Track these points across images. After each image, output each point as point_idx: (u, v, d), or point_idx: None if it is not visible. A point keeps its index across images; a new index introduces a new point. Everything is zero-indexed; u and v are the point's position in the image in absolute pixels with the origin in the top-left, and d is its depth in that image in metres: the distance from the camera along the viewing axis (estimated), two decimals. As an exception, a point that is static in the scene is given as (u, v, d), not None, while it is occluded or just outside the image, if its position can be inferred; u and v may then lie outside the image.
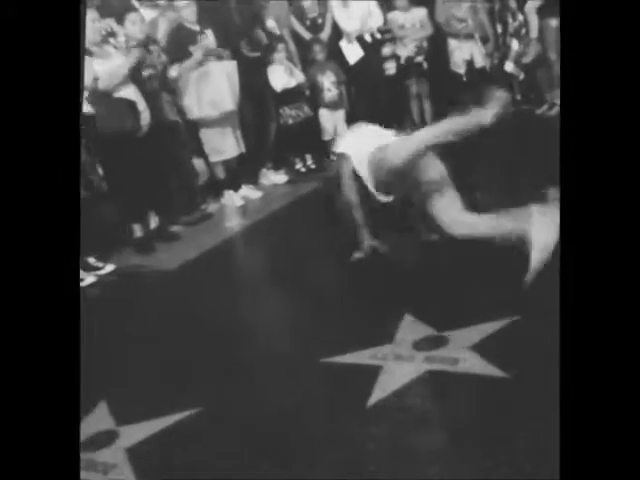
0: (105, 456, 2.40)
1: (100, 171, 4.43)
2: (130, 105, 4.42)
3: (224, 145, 5.34)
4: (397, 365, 2.64)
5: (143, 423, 2.54)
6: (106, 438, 2.50)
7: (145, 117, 4.54)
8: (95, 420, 2.63)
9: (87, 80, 4.12)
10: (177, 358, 3.06)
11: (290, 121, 5.96)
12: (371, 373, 2.60)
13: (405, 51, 6.69)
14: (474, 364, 2.53)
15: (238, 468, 2.20)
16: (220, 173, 5.45)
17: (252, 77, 5.59)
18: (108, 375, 2.95)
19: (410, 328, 2.90)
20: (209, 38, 5.23)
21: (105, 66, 4.36)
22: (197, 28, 5.22)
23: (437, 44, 6.69)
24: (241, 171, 5.60)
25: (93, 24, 4.38)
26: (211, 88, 5.16)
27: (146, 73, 4.70)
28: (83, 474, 2.33)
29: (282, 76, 5.83)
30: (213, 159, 5.40)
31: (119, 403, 2.72)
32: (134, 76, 4.52)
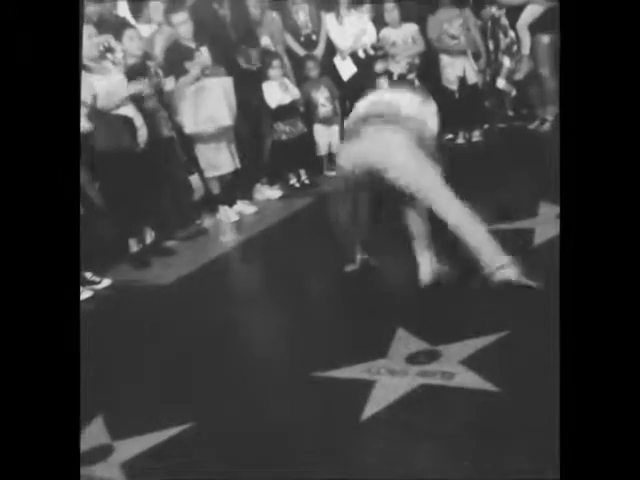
0: (101, 470, 2.42)
1: (96, 187, 4.46)
2: (127, 122, 4.46)
3: (219, 160, 5.38)
4: (390, 379, 2.67)
5: (138, 437, 2.56)
6: (102, 452, 2.52)
7: (142, 134, 4.58)
8: (91, 434, 2.64)
9: (85, 97, 4.15)
10: (172, 372, 3.08)
11: (284, 137, 6.01)
12: (364, 387, 2.63)
13: (397, 67, 6.75)
14: (467, 378, 2.57)
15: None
16: (215, 188, 5.48)
17: (247, 93, 5.64)
18: (104, 389, 2.96)
19: (403, 342, 2.93)
20: (205, 55, 5.29)
21: (103, 82, 4.40)
22: (193, 45, 5.27)
23: (429, 60, 6.77)
24: (236, 186, 5.64)
25: (90, 40, 4.42)
26: (207, 104, 5.20)
27: (143, 90, 4.75)
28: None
29: (277, 92, 5.88)
30: (208, 174, 5.44)
31: (115, 418, 2.74)
32: (132, 94, 4.58)
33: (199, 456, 2.40)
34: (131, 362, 3.27)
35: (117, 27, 4.89)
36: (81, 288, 4.17)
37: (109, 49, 4.65)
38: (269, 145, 5.98)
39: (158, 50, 5.31)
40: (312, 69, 6.26)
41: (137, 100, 4.64)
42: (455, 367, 2.65)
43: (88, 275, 4.29)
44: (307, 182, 6.14)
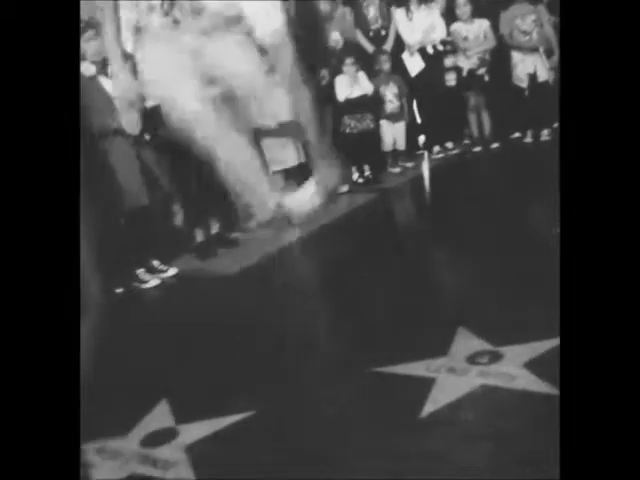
0: (165, 453, 2.50)
1: (166, 178, 4.58)
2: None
3: (285, 154, 5.44)
4: (450, 378, 2.66)
5: (202, 422, 2.63)
6: (166, 435, 2.60)
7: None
8: (156, 418, 2.73)
9: None
10: (234, 360, 3.15)
11: (351, 131, 6.04)
12: (424, 385, 2.63)
13: (467, 63, 6.68)
14: (528, 381, 2.54)
15: (288, 472, 2.26)
16: (280, 182, 5.55)
17: (315, 87, 5.68)
18: (168, 374, 3.06)
19: (464, 341, 2.92)
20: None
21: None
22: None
23: (500, 57, 6.67)
24: (300, 181, 5.69)
25: None
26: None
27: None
28: (144, 469, 2.45)
29: (346, 86, 5.91)
30: (273, 168, 5.51)
31: (179, 402, 2.82)
32: None
33: (258, 445, 2.45)
34: (195, 349, 3.36)
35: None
36: (149, 276, 4.30)
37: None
38: (334, 139, 6.02)
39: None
40: (384, 63, 6.26)
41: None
42: (517, 369, 2.62)
43: (156, 263, 4.42)
44: (371, 178, 6.15)
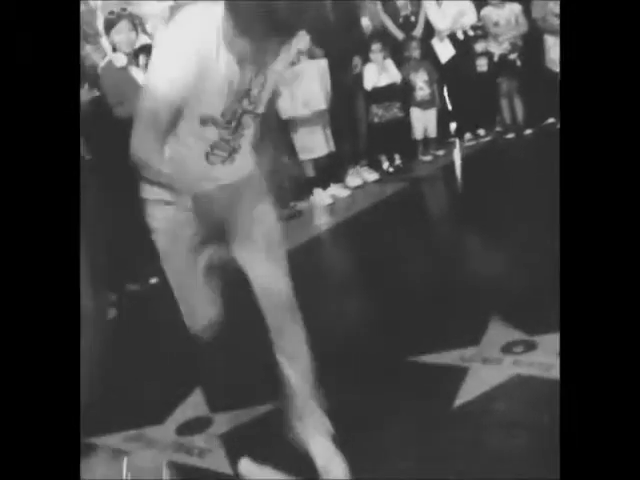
0: (200, 441, 2.53)
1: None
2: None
3: (314, 143, 5.44)
4: (484, 368, 2.64)
5: (235, 411, 2.65)
6: (201, 424, 2.63)
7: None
8: (190, 406, 2.76)
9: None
10: (268, 350, 3.16)
11: (380, 120, 6.00)
12: (457, 375, 2.61)
13: (499, 48, 6.59)
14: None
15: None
16: (310, 171, 5.55)
17: (344, 75, 5.66)
18: (202, 363, 3.08)
19: (497, 330, 2.89)
20: (304, 37, 5.33)
21: None
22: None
23: (532, 41, 6.56)
24: (330, 170, 5.69)
25: None
26: (303, 87, 5.26)
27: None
28: (179, 457, 2.48)
29: (375, 74, 5.87)
30: (303, 157, 5.51)
31: (213, 391, 2.84)
32: None
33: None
34: (227, 337, 3.38)
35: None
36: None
37: None
38: (365, 128, 5.99)
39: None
40: (414, 50, 6.20)
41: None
42: (553, 358, 2.59)
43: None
44: (401, 167, 6.11)
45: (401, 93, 6.14)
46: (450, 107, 6.92)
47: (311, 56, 5.35)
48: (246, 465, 2.31)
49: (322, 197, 5.52)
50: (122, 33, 4.39)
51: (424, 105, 6.24)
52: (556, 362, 2.56)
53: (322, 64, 5.38)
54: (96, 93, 4.35)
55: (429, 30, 6.56)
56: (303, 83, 5.26)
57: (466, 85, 6.61)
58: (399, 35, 6.40)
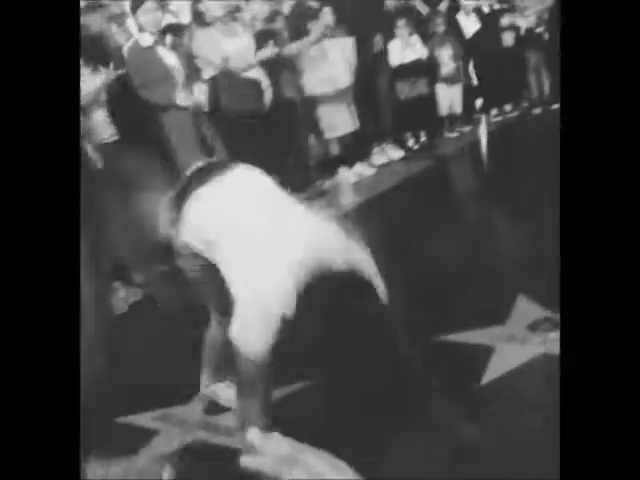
0: (227, 420, 2.56)
1: (222, 148, 4.62)
2: (255, 85, 4.57)
3: (339, 121, 5.41)
4: (510, 347, 2.63)
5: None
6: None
7: (268, 95, 4.69)
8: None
9: (216, 59, 4.29)
10: (291, 329, 3.17)
11: (405, 97, 5.95)
12: (484, 353, 2.60)
13: (525, 22, 6.47)
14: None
15: (349, 441, 2.28)
16: (334, 149, 5.53)
17: (369, 52, 5.60)
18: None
19: (524, 309, 2.87)
20: (328, 15, 5.29)
21: (234, 45, 4.52)
22: (317, 5, 5.28)
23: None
24: (355, 148, 5.66)
25: None
26: (328, 65, 5.23)
27: (271, 53, 4.83)
28: (206, 435, 2.51)
29: (400, 50, 5.81)
30: (328, 135, 5.48)
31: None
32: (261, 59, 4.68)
33: (317, 412, 2.48)
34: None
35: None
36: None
37: (237, 8, 4.75)
38: (390, 106, 5.94)
39: (284, 10, 5.36)
40: (439, 25, 6.12)
41: (264, 63, 4.74)
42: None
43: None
44: (426, 143, 6.06)
45: (426, 69, 6.07)
46: (476, 82, 6.82)
47: (335, 34, 5.30)
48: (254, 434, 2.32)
49: (347, 175, 5.50)
50: (149, 13, 4.39)
51: (449, 81, 6.16)
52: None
53: (347, 42, 5.34)
54: (121, 72, 4.37)
55: (455, 4, 6.46)
56: (328, 61, 5.23)
57: (492, 60, 6.50)
58: (424, 9, 6.31)
